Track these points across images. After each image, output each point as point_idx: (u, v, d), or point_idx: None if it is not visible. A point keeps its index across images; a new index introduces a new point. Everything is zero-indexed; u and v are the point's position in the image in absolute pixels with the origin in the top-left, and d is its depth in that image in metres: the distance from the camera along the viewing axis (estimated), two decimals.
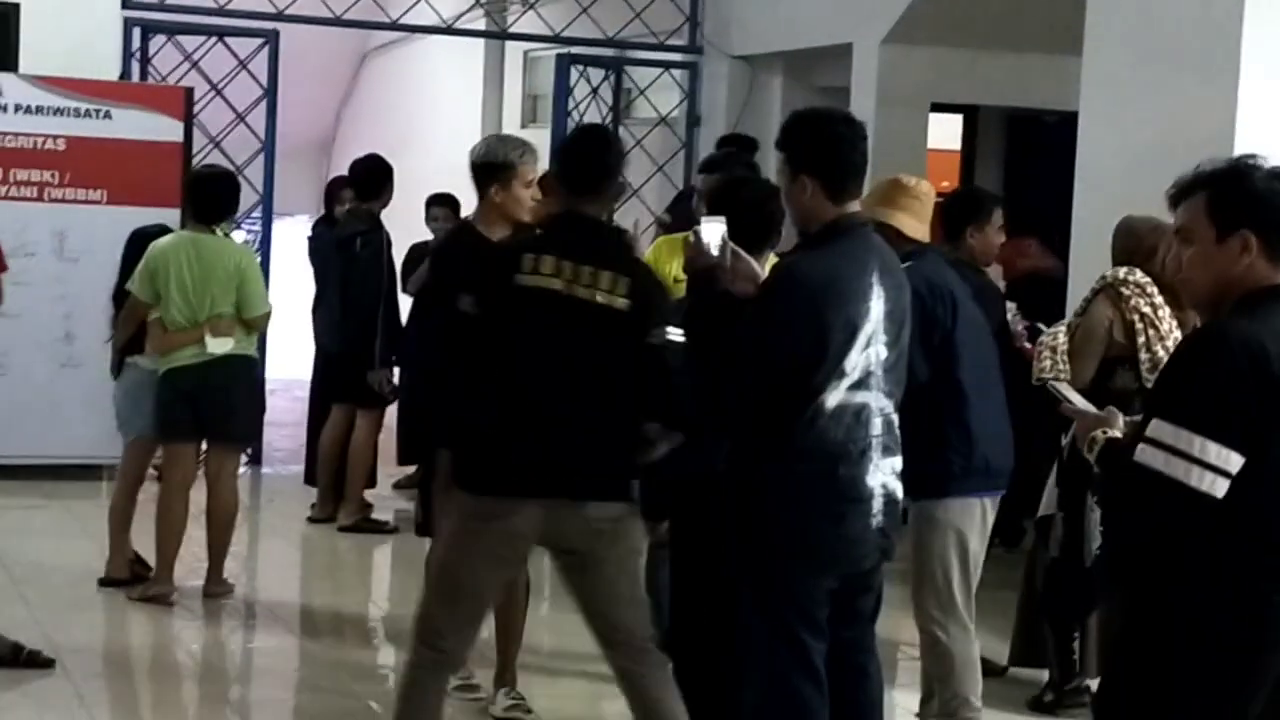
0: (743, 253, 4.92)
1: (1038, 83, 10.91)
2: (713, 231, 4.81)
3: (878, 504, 4.78)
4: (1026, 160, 12.05)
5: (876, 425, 4.74)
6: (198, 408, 7.86)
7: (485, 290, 5.24)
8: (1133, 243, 6.64)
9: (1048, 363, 6.59)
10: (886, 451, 4.79)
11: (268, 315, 8.05)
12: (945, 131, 12.03)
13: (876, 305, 4.72)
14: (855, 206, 4.83)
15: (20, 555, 8.67)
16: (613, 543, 5.13)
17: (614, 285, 5.06)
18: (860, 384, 4.70)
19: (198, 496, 8.08)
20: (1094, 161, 8.32)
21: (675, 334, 5.01)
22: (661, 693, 5.21)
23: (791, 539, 4.73)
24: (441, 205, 10.18)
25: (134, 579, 8.05)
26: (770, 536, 4.75)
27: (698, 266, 4.84)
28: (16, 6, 11.29)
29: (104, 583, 8.10)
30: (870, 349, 4.71)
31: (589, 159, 5.28)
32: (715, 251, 4.80)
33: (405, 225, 10.19)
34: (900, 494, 4.87)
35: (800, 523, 4.72)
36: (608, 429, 5.07)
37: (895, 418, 4.83)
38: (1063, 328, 6.80)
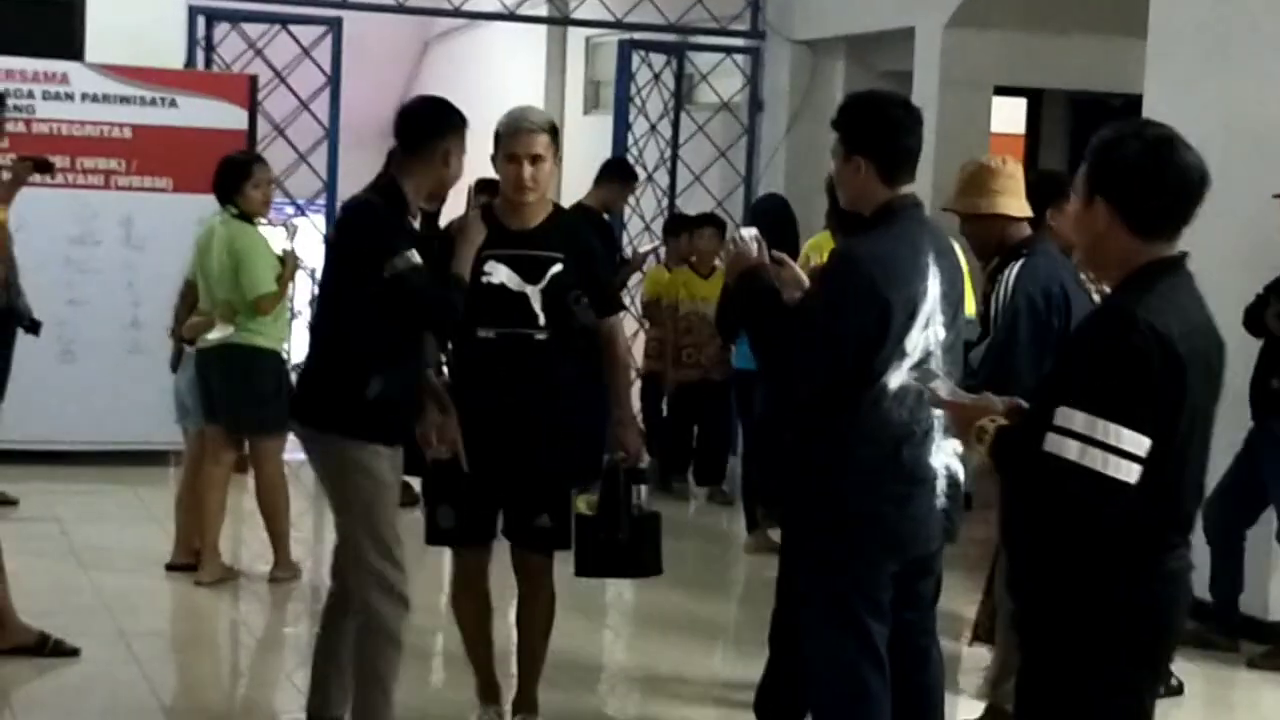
0: (788, 259, 4.97)
1: (1102, 66, 10.83)
2: (750, 235, 4.92)
3: (941, 485, 4.78)
4: None
5: None
6: (207, 393, 8.00)
7: None
8: None
9: None
10: (948, 432, 4.76)
11: (270, 296, 7.92)
12: (1009, 115, 11.96)
13: (933, 285, 4.71)
14: (908, 189, 4.82)
15: (88, 540, 8.78)
16: (327, 474, 5.49)
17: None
18: (921, 364, 4.68)
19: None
20: None
21: (413, 257, 5.29)
22: (359, 641, 5.64)
23: (857, 522, 4.72)
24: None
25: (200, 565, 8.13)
26: (836, 519, 4.73)
27: (743, 266, 4.86)
28: None
29: (171, 568, 8.19)
30: (929, 329, 4.70)
31: (413, 123, 5.60)
32: (755, 252, 4.87)
33: None
34: (963, 475, 4.86)
35: (866, 505, 4.70)
36: (327, 356, 5.46)
37: None
38: None
